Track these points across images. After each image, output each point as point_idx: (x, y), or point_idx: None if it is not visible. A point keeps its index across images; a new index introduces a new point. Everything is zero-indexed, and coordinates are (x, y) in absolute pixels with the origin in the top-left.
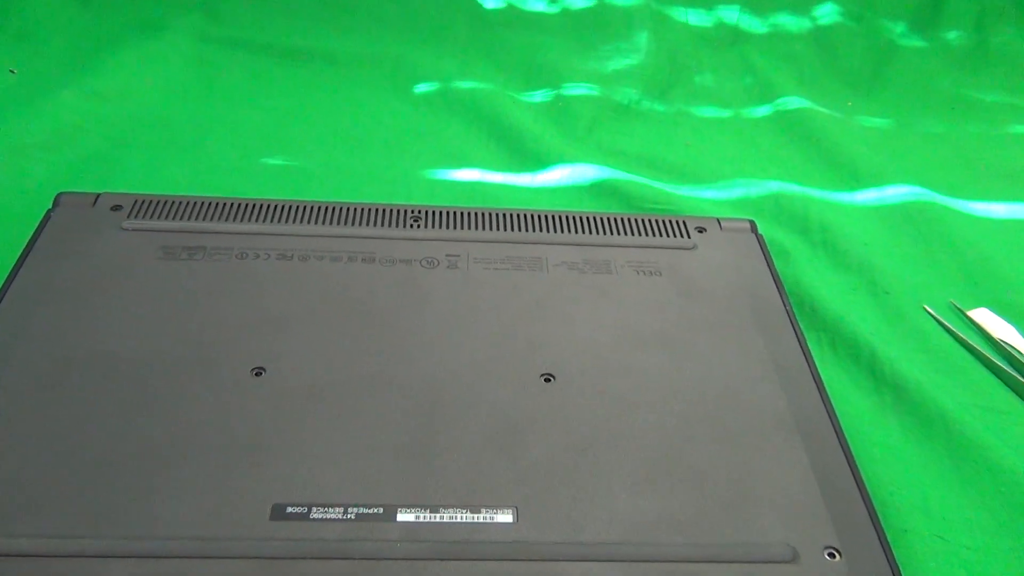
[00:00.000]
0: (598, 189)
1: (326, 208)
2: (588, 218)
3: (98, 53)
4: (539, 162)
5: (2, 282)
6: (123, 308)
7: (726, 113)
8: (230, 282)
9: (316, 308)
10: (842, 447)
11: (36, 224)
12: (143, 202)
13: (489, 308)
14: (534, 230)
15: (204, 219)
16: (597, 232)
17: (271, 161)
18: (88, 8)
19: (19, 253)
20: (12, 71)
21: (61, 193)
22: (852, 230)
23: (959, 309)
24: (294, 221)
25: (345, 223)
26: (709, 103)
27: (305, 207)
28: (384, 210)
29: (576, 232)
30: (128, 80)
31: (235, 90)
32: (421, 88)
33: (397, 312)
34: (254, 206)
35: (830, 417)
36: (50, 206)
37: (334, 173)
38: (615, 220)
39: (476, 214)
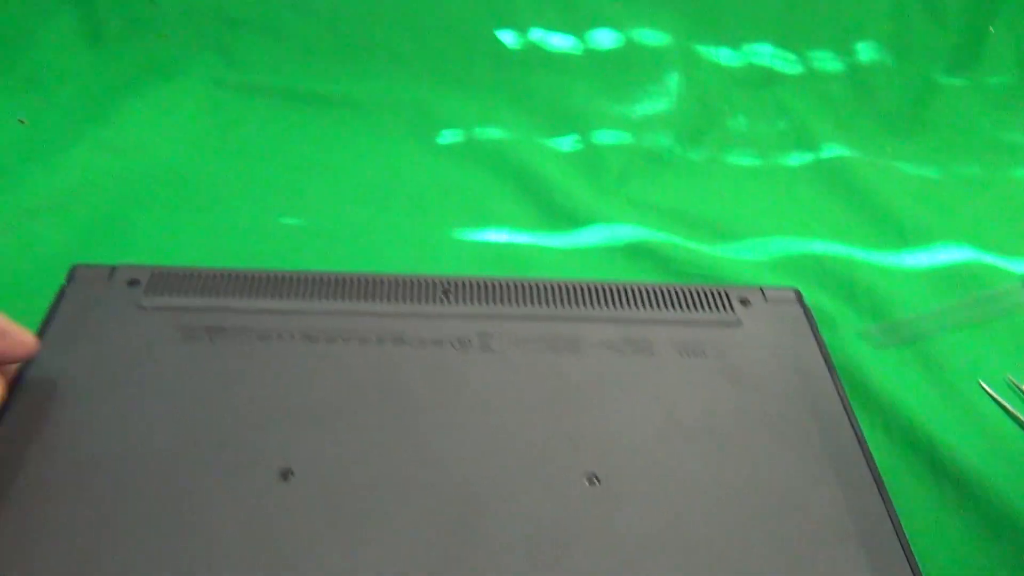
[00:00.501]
0: (632, 251)
1: (351, 280)
2: (626, 289)
3: (109, 101)
4: (570, 219)
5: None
6: (141, 401)
7: (761, 161)
8: (253, 368)
9: (345, 399)
10: (908, 561)
11: (51, 296)
12: (161, 275)
13: (526, 397)
14: (570, 304)
15: (224, 294)
16: (636, 306)
17: (289, 221)
18: (98, 51)
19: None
20: (21, 121)
21: (76, 266)
22: (902, 296)
23: (1016, 385)
24: (318, 296)
25: (372, 298)
26: (743, 150)
27: (329, 280)
28: (413, 282)
29: (614, 307)
30: (141, 131)
31: (251, 140)
32: (445, 138)
33: (431, 403)
34: (275, 279)
35: (893, 523)
36: (64, 279)
37: (356, 233)
38: (655, 292)
39: (508, 286)
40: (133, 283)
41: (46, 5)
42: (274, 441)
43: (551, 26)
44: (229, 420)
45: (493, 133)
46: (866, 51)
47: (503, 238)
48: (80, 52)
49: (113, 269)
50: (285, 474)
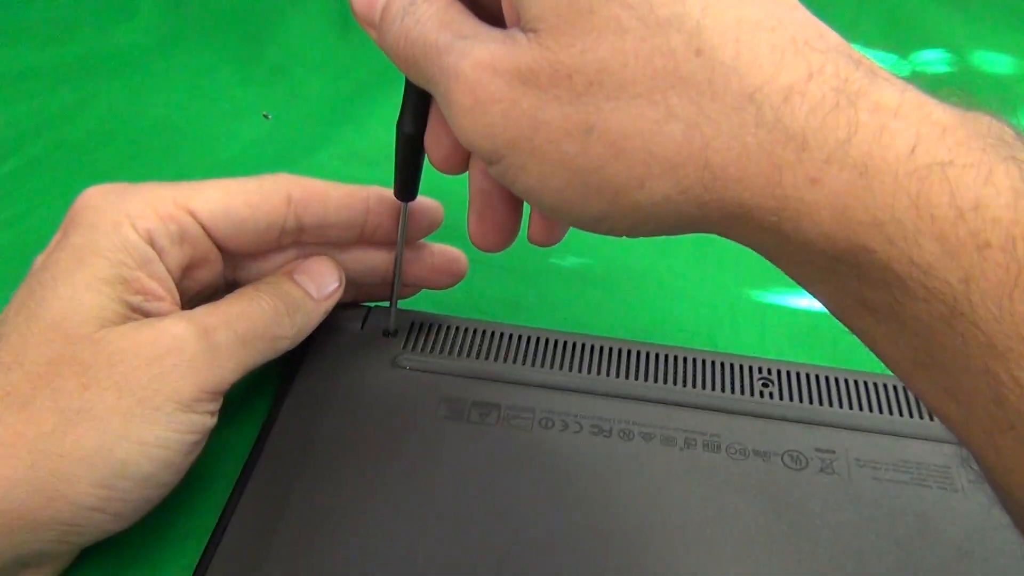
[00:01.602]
0: None
1: (645, 353)
2: None
3: (358, 99)
4: None
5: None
6: (394, 487)
7: None
8: (532, 466)
9: (646, 521)
10: None
11: None
12: (421, 325)
13: (887, 551)
14: (935, 418)
15: (495, 358)
16: None
17: (562, 262)
18: (349, 41)
19: (277, 375)
20: (266, 115)
21: None
22: None
23: None
24: (607, 371)
25: (672, 379)
26: None
27: (618, 349)
28: (721, 364)
29: None
30: (391, 140)
31: None
32: None
33: (760, 540)
34: (555, 342)
35: None
36: None
37: (637, 283)
38: None
39: (850, 383)
40: (389, 332)
41: None
42: (550, 566)
43: (870, 43)
44: (497, 531)
45: None
46: None
47: (816, 304)
48: (329, 42)
49: (368, 312)
50: None
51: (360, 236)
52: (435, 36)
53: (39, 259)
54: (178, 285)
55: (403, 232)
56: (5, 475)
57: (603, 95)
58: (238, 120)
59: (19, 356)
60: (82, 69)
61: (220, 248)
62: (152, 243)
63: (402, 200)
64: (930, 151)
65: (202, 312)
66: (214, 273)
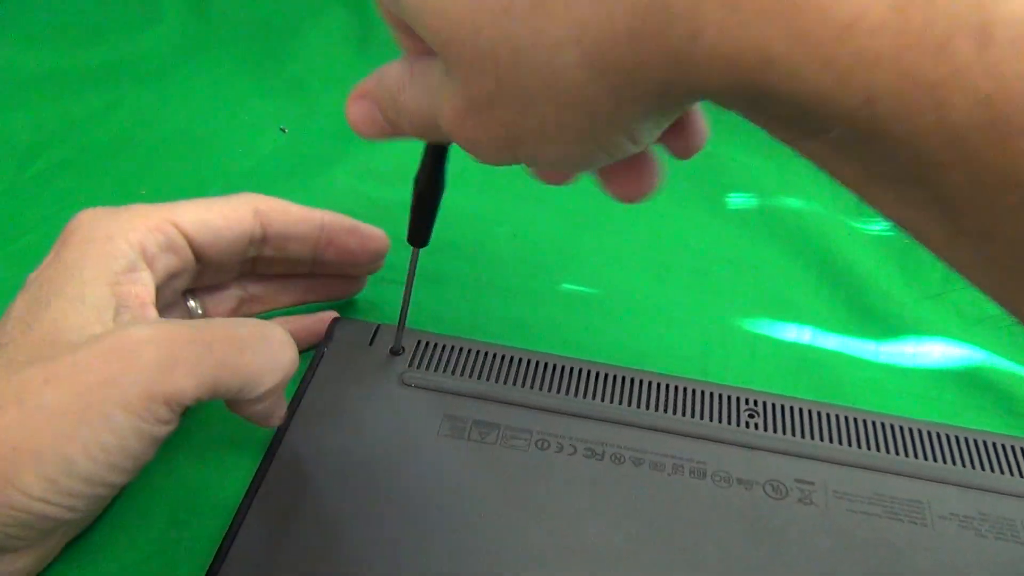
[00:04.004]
0: (967, 380)
1: (640, 381)
2: (983, 444)
3: None
4: (883, 324)
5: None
6: (393, 502)
7: None
8: (527, 485)
9: (633, 542)
10: None
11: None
12: (426, 344)
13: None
14: (912, 454)
15: (497, 379)
16: (994, 469)
17: (568, 286)
18: (366, 57)
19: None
20: (283, 129)
21: (336, 320)
22: None
23: None
24: (603, 395)
25: (664, 407)
26: None
27: (616, 376)
28: (711, 394)
29: (967, 465)
30: (407, 157)
31: (518, 183)
32: (735, 200)
33: (738, 566)
34: (554, 367)
35: None
36: (324, 333)
37: (635, 309)
38: (1018, 451)
39: (831, 417)
40: (396, 351)
41: (317, 3)
42: None
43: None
44: (491, 548)
45: (791, 203)
46: None
47: (805, 337)
48: (347, 58)
49: (376, 330)
50: None
51: (314, 250)
52: (423, 114)
53: (32, 276)
54: (159, 293)
55: (412, 273)
56: None
57: (511, 82)
58: (255, 132)
59: (12, 365)
60: (107, 74)
61: (197, 258)
62: (143, 252)
63: (413, 245)
64: None
65: (174, 321)
66: (187, 283)
